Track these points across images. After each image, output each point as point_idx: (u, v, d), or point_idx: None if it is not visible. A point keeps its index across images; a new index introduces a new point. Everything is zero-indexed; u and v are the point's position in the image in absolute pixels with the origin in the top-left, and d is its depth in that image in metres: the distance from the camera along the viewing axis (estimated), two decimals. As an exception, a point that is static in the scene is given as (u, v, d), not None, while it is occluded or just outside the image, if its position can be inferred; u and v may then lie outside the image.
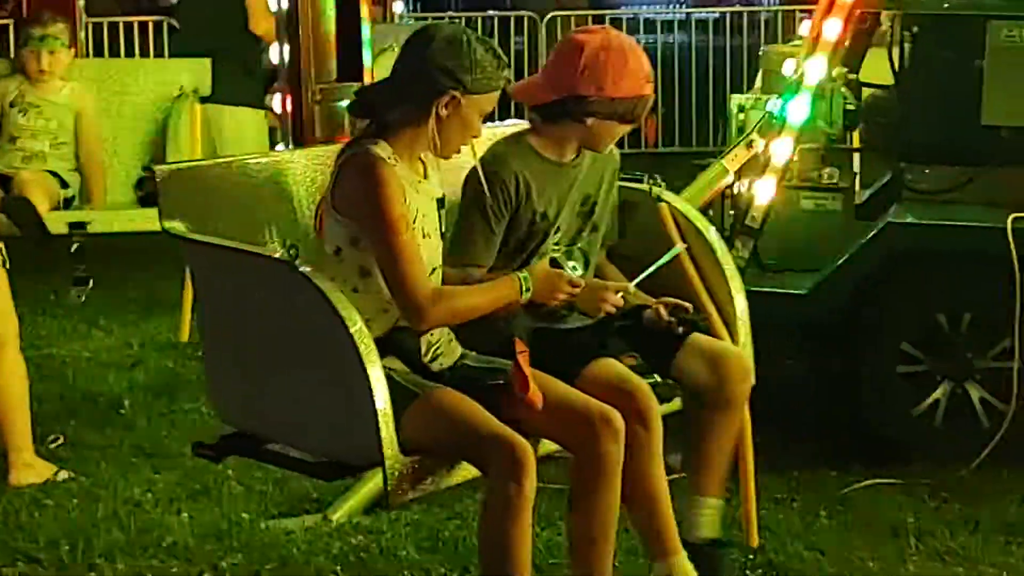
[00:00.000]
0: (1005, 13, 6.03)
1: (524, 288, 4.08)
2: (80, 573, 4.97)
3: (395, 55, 4.11)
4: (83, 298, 7.71)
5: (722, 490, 4.61)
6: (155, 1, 14.98)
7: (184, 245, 4.15)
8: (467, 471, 4.00)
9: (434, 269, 4.10)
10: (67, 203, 7.40)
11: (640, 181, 4.75)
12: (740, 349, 4.59)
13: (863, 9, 6.33)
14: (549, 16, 14.10)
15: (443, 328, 4.13)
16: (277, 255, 3.91)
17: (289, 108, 5.54)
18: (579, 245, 4.46)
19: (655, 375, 4.40)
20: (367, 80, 5.54)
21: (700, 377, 4.44)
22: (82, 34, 10.06)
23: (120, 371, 7.22)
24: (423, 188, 4.08)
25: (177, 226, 4.12)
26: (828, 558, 5.05)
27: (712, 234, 4.69)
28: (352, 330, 3.75)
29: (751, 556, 5.03)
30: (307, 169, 4.43)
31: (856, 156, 6.79)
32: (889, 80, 6.63)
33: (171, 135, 8.18)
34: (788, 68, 6.44)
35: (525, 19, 14.13)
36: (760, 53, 7.65)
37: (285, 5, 5.44)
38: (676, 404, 4.50)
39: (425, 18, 14.30)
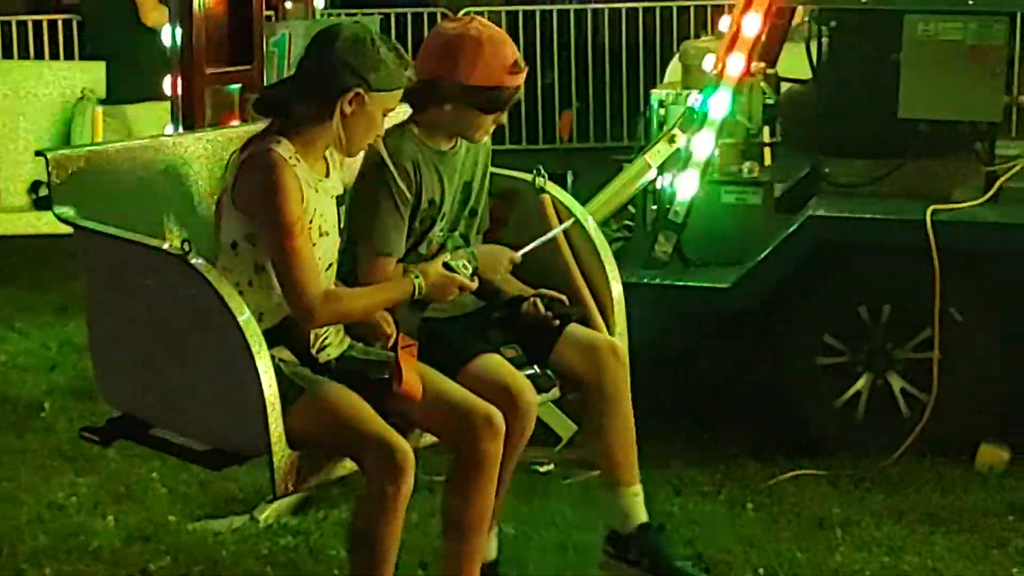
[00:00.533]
0: (921, 7, 6.08)
1: (417, 289, 4.17)
2: (6, 578, 4.93)
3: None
4: None
5: (635, 476, 4.62)
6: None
7: (75, 232, 4.15)
8: (350, 466, 4.06)
9: (330, 265, 4.17)
10: None
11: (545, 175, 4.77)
12: (616, 339, 4.62)
13: (781, 4, 6.36)
14: (463, 12, 14.06)
15: None
16: (170, 248, 3.95)
17: (180, 91, 5.50)
18: (459, 231, 4.50)
19: (534, 366, 4.44)
20: (258, 64, 5.56)
21: (577, 368, 4.50)
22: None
23: (39, 374, 7.14)
24: (323, 187, 4.13)
25: (68, 212, 4.13)
26: (756, 550, 5.09)
27: (591, 225, 4.74)
28: (241, 321, 3.80)
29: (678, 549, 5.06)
30: (201, 154, 4.43)
31: (772, 150, 6.82)
32: (807, 74, 6.69)
33: (74, 139, 8.17)
34: (708, 63, 6.47)
35: (438, 15, 14.08)
36: (679, 48, 7.69)
37: None
38: (555, 393, 4.55)
39: (352, 14, 14.20)
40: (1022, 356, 5.91)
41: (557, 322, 4.47)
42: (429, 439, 4.21)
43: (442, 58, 4.32)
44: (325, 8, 11.16)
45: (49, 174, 4.12)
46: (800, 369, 6.03)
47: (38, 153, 4.21)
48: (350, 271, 4.30)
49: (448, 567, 4.26)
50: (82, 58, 10.81)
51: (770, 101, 6.48)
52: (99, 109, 8.34)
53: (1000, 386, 5.91)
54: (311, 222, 4.04)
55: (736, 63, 6.19)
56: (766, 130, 6.67)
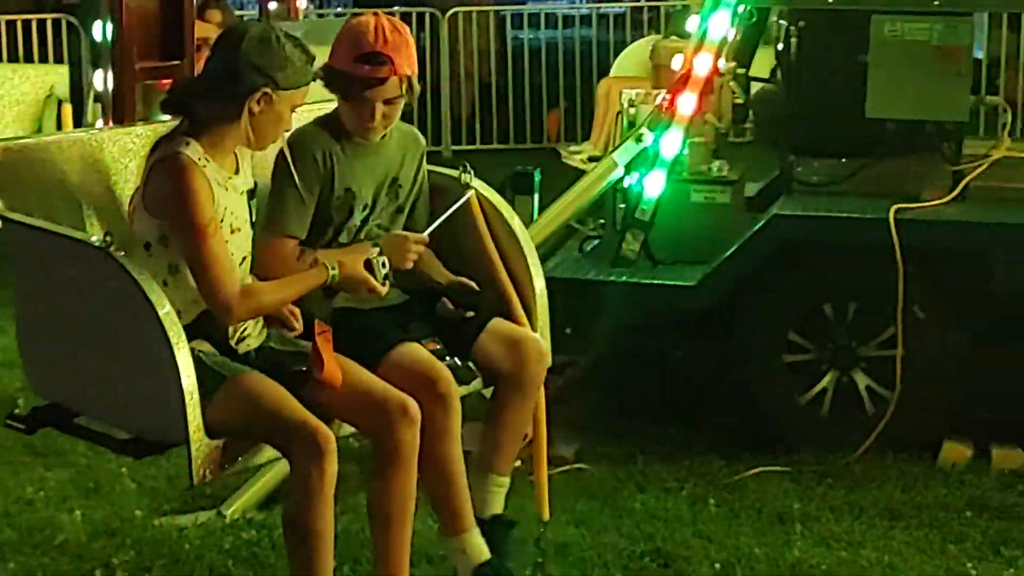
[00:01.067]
0: (888, 8, 6.14)
1: (330, 280, 4.24)
2: (-30, 572, 4.98)
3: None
4: None
5: (510, 468, 4.68)
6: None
7: (2, 223, 4.19)
8: (271, 453, 4.12)
9: (244, 258, 4.23)
10: None
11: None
12: (536, 333, 4.67)
13: (750, 4, 6.40)
14: (451, 12, 14.12)
15: None
16: (93, 241, 4.02)
17: (110, 86, 5.53)
18: (379, 222, 4.55)
19: (455, 358, 4.51)
20: (188, 59, 5.59)
21: (498, 361, 4.55)
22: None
23: (14, 370, 7.16)
24: (232, 184, 4.19)
25: None
26: (715, 544, 5.14)
27: (515, 221, 4.80)
28: (161, 314, 3.86)
29: (639, 544, 5.12)
30: (128, 148, 4.46)
31: (745, 149, 6.87)
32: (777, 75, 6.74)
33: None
34: (677, 63, 6.52)
35: (427, 15, 14.13)
36: (650, 48, 7.74)
37: None
38: (476, 385, 4.60)
39: (341, 14, 14.26)
40: (985, 354, 5.96)
41: (470, 314, 4.55)
42: (348, 429, 4.27)
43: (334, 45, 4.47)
44: (307, 9, 11.31)
45: None
46: (766, 366, 6.08)
47: None
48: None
49: (377, 558, 4.32)
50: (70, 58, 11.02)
51: (739, 101, 6.53)
52: (67, 106, 8.46)
53: (963, 384, 5.95)
54: (222, 220, 4.10)
55: (703, 63, 6.23)
56: (736, 130, 6.77)
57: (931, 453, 5.90)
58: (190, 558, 5.03)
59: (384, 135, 4.50)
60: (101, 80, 5.64)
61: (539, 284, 4.74)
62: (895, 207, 5.81)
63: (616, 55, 12.95)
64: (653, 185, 6.19)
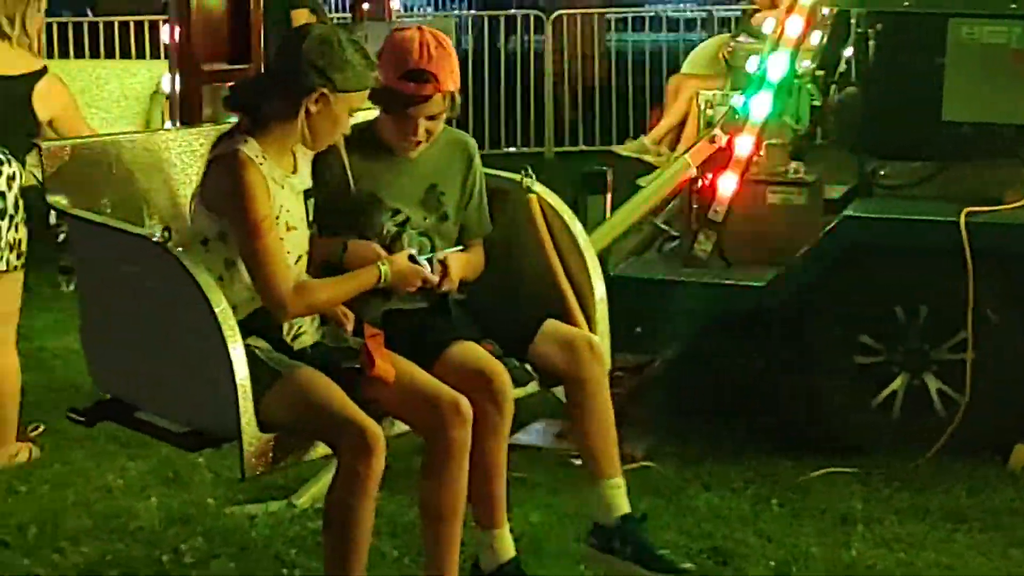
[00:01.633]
0: (965, 11, 6.13)
1: (383, 278, 4.33)
2: (46, 556, 5.12)
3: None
4: (72, 286, 7.85)
5: (617, 468, 4.69)
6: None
7: (66, 219, 4.35)
8: (322, 449, 4.21)
9: (299, 257, 4.33)
10: None
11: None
12: (595, 336, 4.68)
13: (826, 5, 6.42)
14: (555, 14, 14.20)
15: None
16: (152, 236, 4.13)
17: (178, 88, 5.63)
18: (422, 230, 4.59)
19: (513, 359, 4.54)
20: (256, 63, 5.68)
21: (555, 361, 4.58)
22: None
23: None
24: (289, 183, 4.29)
25: (60, 200, 4.32)
26: (774, 544, 5.17)
27: (576, 226, 4.83)
28: (217, 310, 3.97)
29: (699, 542, 5.17)
30: (186, 150, 4.59)
31: (824, 152, 6.89)
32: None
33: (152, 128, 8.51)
34: (751, 64, 6.55)
35: (531, 16, 14.21)
36: (728, 50, 7.76)
37: None
38: (532, 388, 4.64)
39: (422, 15, 14.38)
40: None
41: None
42: (399, 427, 4.34)
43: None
44: (398, 10, 11.42)
45: (43, 164, 4.32)
46: (837, 368, 6.08)
47: (33, 144, 4.40)
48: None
49: (428, 555, 4.39)
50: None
51: (817, 103, 6.55)
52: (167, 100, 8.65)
53: (1034, 388, 5.93)
54: (278, 218, 4.20)
55: (778, 64, 6.26)
56: (816, 132, 6.78)
57: (1002, 457, 5.88)
58: (257, 546, 5.16)
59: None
60: (168, 81, 5.75)
61: (599, 289, 4.77)
62: (966, 210, 5.80)
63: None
64: (726, 186, 6.22)
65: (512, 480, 4.67)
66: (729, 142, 6.27)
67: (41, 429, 6.34)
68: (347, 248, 4.44)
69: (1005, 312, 5.88)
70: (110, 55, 12.81)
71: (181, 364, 4.17)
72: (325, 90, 4.17)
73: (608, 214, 6.30)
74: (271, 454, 4.09)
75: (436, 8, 15.86)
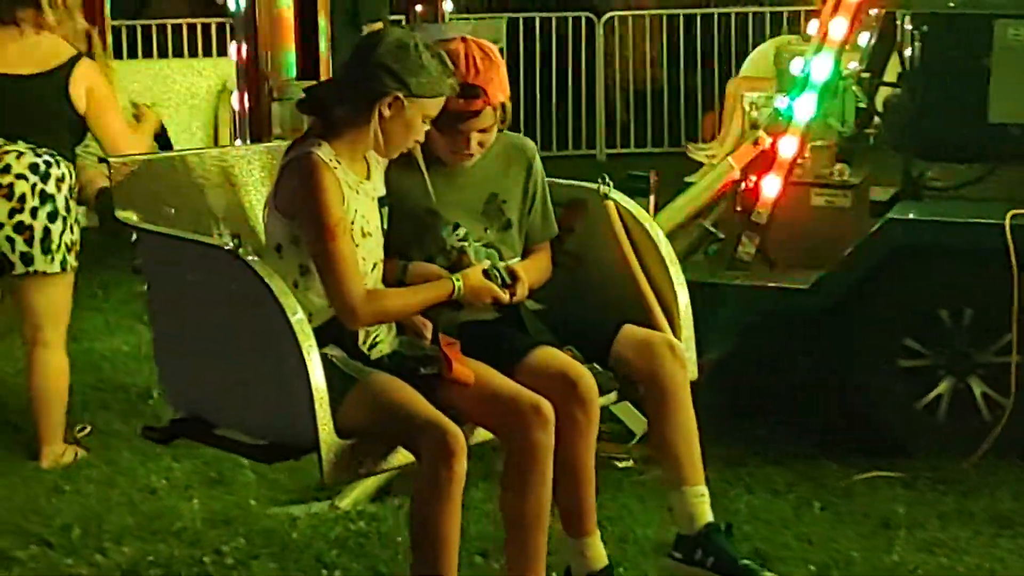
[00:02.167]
0: (1011, 12, 6.10)
1: (456, 292, 4.28)
2: (88, 556, 5.16)
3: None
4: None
5: (700, 475, 4.62)
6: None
7: (136, 234, 4.35)
8: (403, 456, 4.14)
9: (375, 265, 4.27)
10: None
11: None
12: (678, 341, 4.63)
13: (871, 7, 6.40)
14: (607, 17, 14.18)
15: None
16: (224, 244, 4.08)
17: (247, 105, 5.62)
18: (486, 241, 4.54)
19: (595, 365, 4.47)
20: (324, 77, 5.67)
21: (635, 364, 4.51)
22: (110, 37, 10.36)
23: (154, 364, 7.40)
24: (364, 188, 4.23)
25: (130, 216, 4.32)
26: (815, 547, 5.14)
27: (657, 232, 4.79)
28: (293, 320, 3.91)
29: (739, 544, 5.12)
30: (255, 165, 4.59)
31: (870, 154, 6.86)
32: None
33: (220, 126, 8.54)
34: (796, 66, 6.53)
35: (583, 19, 14.19)
36: (775, 52, 7.74)
37: (243, 3, 5.51)
38: (613, 397, 4.60)
39: (481, 17, 14.40)
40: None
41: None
42: (481, 436, 4.26)
43: None
44: (454, 12, 11.44)
45: (111, 179, 4.33)
46: (882, 371, 6.05)
47: (101, 160, 4.41)
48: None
49: (511, 565, 4.28)
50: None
51: (862, 105, 6.52)
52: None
53: (1082, 391, 5.88)
54: (353, 223, 4.14)
55: (822, 66, 6.24)
56: (862, 134, 6.75)
57: (1049, 461, 5.85)
58: (298, 547, 5.18)
59: None
60: (238, 100, 5.72)
61: (683, 296, 4.71)
62: (1011, 212, 5.76)
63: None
64: (770, 188, 6.21)
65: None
66: (773, 144, 6.24)
67: (88, 430, 6.39)
68: (407, 271, 4.39)
69: (1052, 315, 5.84)
70: (163, 56, 12.98)
71: (255, 374, 4.10)
72: (400, 94, 4.11)
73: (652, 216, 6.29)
74: (351, 462, 4.03)
75: (488, 9, 15.82)
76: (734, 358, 6.50)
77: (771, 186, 6.21)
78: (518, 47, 13.76)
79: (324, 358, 3.98)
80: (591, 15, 14.16)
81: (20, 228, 5.84)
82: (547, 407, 4.12)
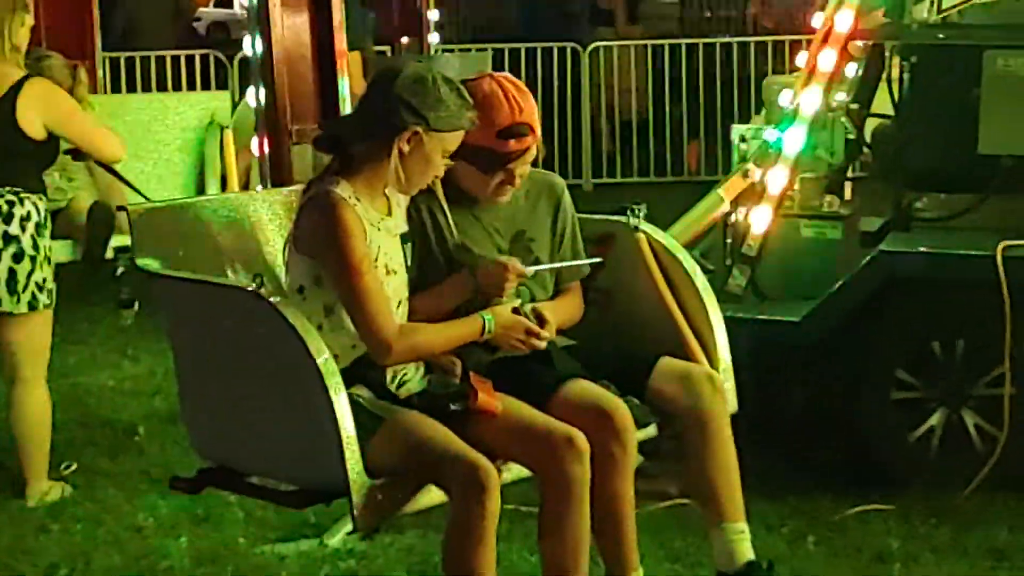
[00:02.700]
0: (1001, 43, 6.09)
1: (487, 330, 4.19)
2: (75, 596, 5.13)
3: None
4: (130, 320, 7.81)
5: (741, 511, 4.55)
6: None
7: (156, 281, 4.27)
8: (434, 495, 4.06)
9: (400, 303, 4.18)
10: None
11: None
12: (715, 372, 4.56)
13: (859, 39, 6.38)
14: (592, 47, 14.16)
15: None
16: (245, 286, 4.01)
17: (267, 150, 5.53)
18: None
19: (632, 398, 4.38)
20: None
21: (673, 397, 4.43)
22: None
23: (140, 399, 7.37)
24: (385, 225, 4.16)
25: (151, 263, 4.24)
26: (808, 583, 5.11)
27: (690, 264, 4.73)
28: (319, 361, 3.84)
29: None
30: (274, 209, 4.52)
31: (860, 186, 6.85)
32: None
33: (206, 160, 8.49)
34: (784, 99, 6.51)
35: (568, 49, 14.17)
36: (763, 84, 7.72)
37: (260, 49, 5.45)
38: (651, 431, 4.51)
39: (466, 49, 14.39)
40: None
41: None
42: (514, 474, 4.15)
43: None
44: (437, 44, 11.43)
45: (132, 227, 4.25)
46: (874, 404, 6.02)
47: (120, 208, 4.34)
48: None
49: None
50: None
51: (851, 136, 6.51)
52: (228, 132, 8.64)
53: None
54: (376, 261, 4.06)
55: (811, 98, 6.22)
56: (852, 165, 6.73)
57: (1042, 494, 5.82)
58: (287, 586, 5.14)
59: None
60: (258, 145, 5.63)
61: (720, 329, 4.63)
62: (1003, 243, 5.74)
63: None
64: (760, 220, 6.18)
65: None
66: (762, 176, 6.22)
67: (74, 467, 6.33)
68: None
69: (1043, 347, 5.81)
70: (149, 89, 12.96)
71: (283, 419, 4.03)
72: (418, 129, 4.03)
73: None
74: (382, 502, 3.95)
75: (473, 39, 15.80)
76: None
77: (761, 218, 6.17)
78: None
79: (351, 398, 3.91)
80: (576, 45, 14.14)
81: None
82: (581, 439, 4.03)
